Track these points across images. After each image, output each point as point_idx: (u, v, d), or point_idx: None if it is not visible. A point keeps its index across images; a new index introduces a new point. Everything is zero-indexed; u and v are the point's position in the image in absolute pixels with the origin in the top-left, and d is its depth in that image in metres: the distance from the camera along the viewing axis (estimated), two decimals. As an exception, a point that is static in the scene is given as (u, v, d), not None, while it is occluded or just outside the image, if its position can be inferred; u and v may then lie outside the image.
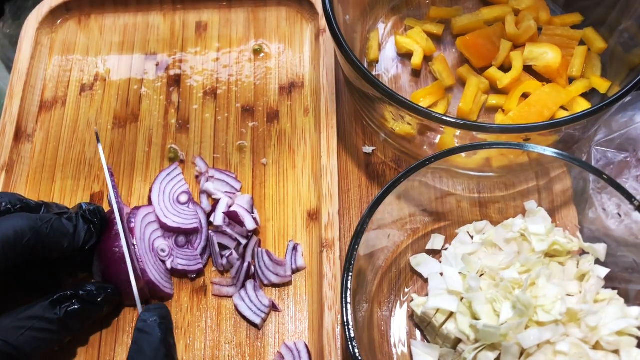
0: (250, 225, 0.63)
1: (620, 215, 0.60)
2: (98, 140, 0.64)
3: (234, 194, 0.67)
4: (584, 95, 0.69)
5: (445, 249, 0.62)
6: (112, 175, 0.62)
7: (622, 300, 0.54)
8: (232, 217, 0.64)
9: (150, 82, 0.76)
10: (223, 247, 0.64)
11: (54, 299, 0.54)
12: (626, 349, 0.51)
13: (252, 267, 0.63)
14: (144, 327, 0.51)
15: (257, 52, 0.77)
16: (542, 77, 0.71)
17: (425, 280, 0.61)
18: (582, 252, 0.59)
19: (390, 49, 0.76)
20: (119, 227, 0.59)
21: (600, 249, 0.57)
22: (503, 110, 0.70)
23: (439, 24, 0.76)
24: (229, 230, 0.63)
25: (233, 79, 0.75)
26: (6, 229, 0.51)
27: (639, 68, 0.63)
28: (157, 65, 0.77)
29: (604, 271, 0.56)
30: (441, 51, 0.75)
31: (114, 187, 0.60)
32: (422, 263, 0.61)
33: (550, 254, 0.58)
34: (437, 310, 0.55)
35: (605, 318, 0.52)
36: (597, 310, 0.52)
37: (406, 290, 0.61)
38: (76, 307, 0.55)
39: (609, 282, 0.56)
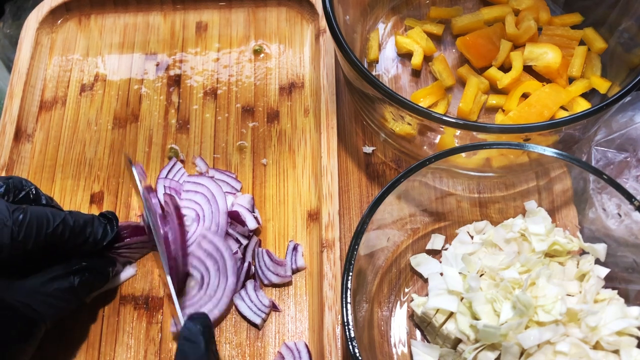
0: (251, 224, 0.63)
1: (620, 215, 0.60)
2: (132, 164, 0.64)
3: (234, 194, 0.67)
4: (584, 95, 0.69)
5: (445, 249, 0.62)
6: (148, 192, 0.62)
7: (622, 300, 0.54)
8: (233, 217, 0.64)
9: (150, 82, 0.76)
10: (223, 247, 0.64)
11: (70, 270, 0.56)
12: (626, 349, 0.51)
13: (252, 267, 0.63)
14: (189, 335, 0.52)
15: (257, 52, 0.77)
16: (542, 77, 0.71)
17: (425, 280, 0.61)
18: (582, 252, 0.59)
19: (390, 49, 0.76)
20: (159, 250, 0.59)
21: (600, 249, 0.57)
22: (503, 110, 0.70)
23: (439, 24, 0.76)
24: (229, 230, 0.64)
25: (233, 79, 0.75)
26: (41, 210, 0.53)
27: (639, 68, 0.63)
28: (157, 65, 0.77)
29: (604, 271, 0.56)
30: (441, 51, 0.75)
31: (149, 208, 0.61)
32: (422, 263, 0.61)
33: (550, 254, 0.58)
34: (437, 310, 0.55)
35: (605, 318, 0.52)
36: (597, 310, 0.52)
37: (406, 290, 0.61)
38: (87, 277, 0.57)
39: (609, 282, 0.56)
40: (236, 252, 0.62)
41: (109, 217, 0.60)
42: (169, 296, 0.58)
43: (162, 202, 0.66)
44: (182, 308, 0.61)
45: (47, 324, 0.54)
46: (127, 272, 0.64)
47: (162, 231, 0.60)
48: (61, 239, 0.54)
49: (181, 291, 0.62)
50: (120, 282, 0.64)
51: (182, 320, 0.55)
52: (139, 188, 0.61)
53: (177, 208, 0.63)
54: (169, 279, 0.58)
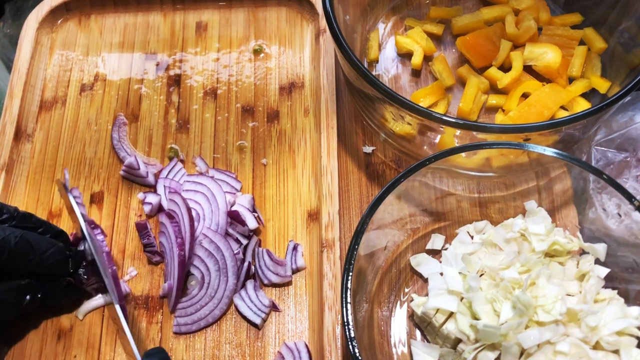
0: (252, 224, 0.63)
1: (620, 215, 0.60)
2: (67, 190, 0.63)
3: (234, 194, 0.67)
4: (584, 95, 0.69)
5: (445, 249, 0.62)
6: (90, 223, 0.62)
7: (622, 300, 0.54)
8: (234, 217, 0.64)
9: (150, 82, 0.76)
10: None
11: (21, 285, 0.56)
12: (626, 349, 0.51)
13: (252, 267, 0.63)
14: None
15: (257, 52, 0.77)
16: (542, 77, 0.71)
17: (425, 280, 0.61)
18: (582, 252, 0.59)
19: (390, 49, 0.76)
20: (108, 286, 0.59)
21: (600, 249, 0.57)
22: (503, 110, 0.70)
23: (439, 24, 0.76)
24: (230, 230, 0.64)
25: (233, 79, 0.75)
26: None
27: (639, 68, 0.63)
28: (157, 65, 0.77)
29: (604, 271, 0.56)
30: (441, 51, 0.75)
31: (90, 234, 0.60)
32: (422, 263, 0.61)
33: (550, 254, 0.58)
34: (437, 310, 0.55)
35: (605, 318, 0.52)
36: (597, 310, 0.52)
37: (406, 290, 0.61)
38: (39, 297, 0.57)
39: (609, 282, 0.56)
40: (238, 253, 0.62)
41: (74, 255, 0.60)
42: (121, 330, 0.57)
43: (167, 202, 0.66)
44: (175, 310, 0.61)
45: None
46: (97, 301, 0.62)
47: (109, 269, 0.59)
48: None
49: (183, 289, 0.62)
50: (88, 311, 0.62)
51: (138, 357, 0.54)
52: (80, 222, 0.60)
53: (188, 208, 0.63)
54: (119, 312, 0.57)
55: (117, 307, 0.57)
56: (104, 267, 0.59)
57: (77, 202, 0.63)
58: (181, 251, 0.61)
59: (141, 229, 0.64)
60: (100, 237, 0.63)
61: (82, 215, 0.61)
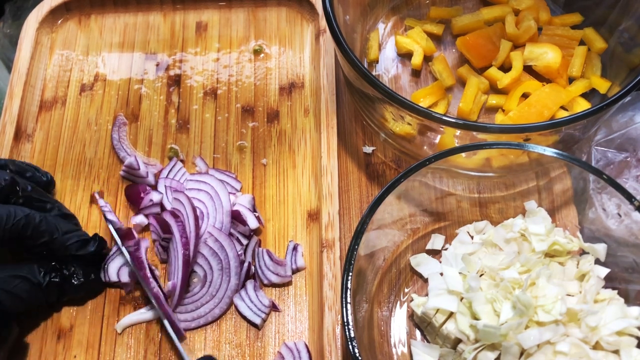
0: (253, 224, 0.63)
1: (620, 215, 0.60)
2: (106, 219, 0.65)
3: (234, 194, 0.67)
4: (584, 95, 0.69)
5: (445, 249, 0.62)
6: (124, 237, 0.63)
7: (622, 300, 0.54)
8: (234, 216, 0.64)
9: (150, 82, 0.76)
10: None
11: (42, 266, 0.58)
12: (626, 349, 0.51)
13: (252, 267, 0.63)
14: None
15: (257, 52, 0.77)
16: (542, 77, 0.71)
17: (425, 280, 0.61)
18: (582, 252, 0.59)
19: (390, 49, 0.76)
20: (152, 300, 0.60)
21: (600, 249, 0.57)
22: (503, 110, 0.70)
23: (439, 24, 0.76)
24: (230, 230, 0.64)
25: (233, 79, 0.75)
26: (2, 208, 0.55)
27: (639, 68, 0.63)
28: (157, 65, 0.77)
29: (604, 271, 0.56)
30: (441, 51, 0.75)
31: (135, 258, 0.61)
32: (422, 263, 0.61)
33: (550, 254, 0.58)
34: (437, 310, 0.55)
35: (605, 318, 0.52)
36: (597, 310, 0.52)
37: (406, 290, 0.61)
38: (57, 280, 0.58)
39: (609, 282, 0.56)
40: (241, 254, 0.62)
41: (98, 238, 0.62)
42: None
43: (170, 202, 0.66)
44: (179, 305, 0.61)
45: (7, 314, 0.55)
46: (138, 316, 0.62)
47: (154, 288, 0.60)
48: (23, 234, 0.55)
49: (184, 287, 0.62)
50: (127, 325, 0.62)
51: None
52: (119, 243, 0.62)
53: (193, 208, 0.63)
54: (170, 330, 0.59)
55: (169, 327, 0.59)
56: (150, 289, 0.60)
57: (105, 211, 0.65)
58: (186, 250, 0.60)
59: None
60: (137, 248, 0.62)
61: (117, 230, 0.63)
